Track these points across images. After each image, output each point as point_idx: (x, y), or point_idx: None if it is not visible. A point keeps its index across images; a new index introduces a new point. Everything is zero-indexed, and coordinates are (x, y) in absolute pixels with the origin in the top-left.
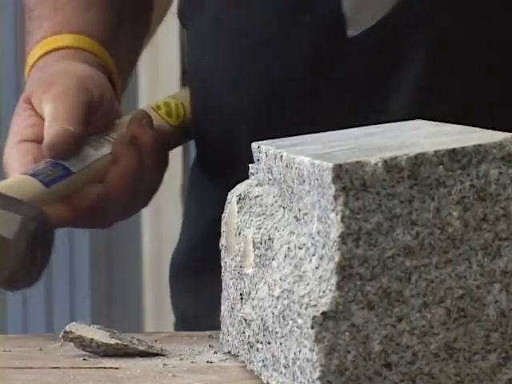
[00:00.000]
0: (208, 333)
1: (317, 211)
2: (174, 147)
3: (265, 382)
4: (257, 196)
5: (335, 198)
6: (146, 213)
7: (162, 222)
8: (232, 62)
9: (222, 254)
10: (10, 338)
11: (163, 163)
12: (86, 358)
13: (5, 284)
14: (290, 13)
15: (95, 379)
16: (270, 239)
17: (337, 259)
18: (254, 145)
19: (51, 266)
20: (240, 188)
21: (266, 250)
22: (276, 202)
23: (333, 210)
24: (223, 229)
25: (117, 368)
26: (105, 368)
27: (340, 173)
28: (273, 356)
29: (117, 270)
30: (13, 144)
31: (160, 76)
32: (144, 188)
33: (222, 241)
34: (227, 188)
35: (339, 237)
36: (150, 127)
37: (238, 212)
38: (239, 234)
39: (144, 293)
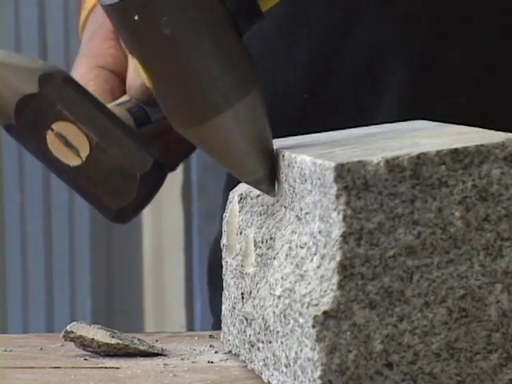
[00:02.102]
0: (209, 332)
1: (318, 210)
2: None
3: (266, 381)
4: (258, 195)
5: (337, 197)
6: (146, 213)
7: (162, 222)
8: None
9: (224, 254)
10: (10, 337)
11: None
12: (86, 357)
13: (113, 215)
14: (288, 27)
15: (96, 379)
16: (271, 238)
17: (338, 258)
18: None
19: (51, 266)
20: (241, 187)
21: (268, 249)
22: (277, 201)
23: (334, 210)
24: (224, 228)
25: (118, 368)
26: (106, 368)
27: (342, 172)
28: (274, 355)
29: (117, 269)
30: (90, 66)
31: None
32: None
33: (224, 240)
34: None
35: (341, 236)
36: None
37: (240, 211)
38: (240, 233)
39: (144, 293)
